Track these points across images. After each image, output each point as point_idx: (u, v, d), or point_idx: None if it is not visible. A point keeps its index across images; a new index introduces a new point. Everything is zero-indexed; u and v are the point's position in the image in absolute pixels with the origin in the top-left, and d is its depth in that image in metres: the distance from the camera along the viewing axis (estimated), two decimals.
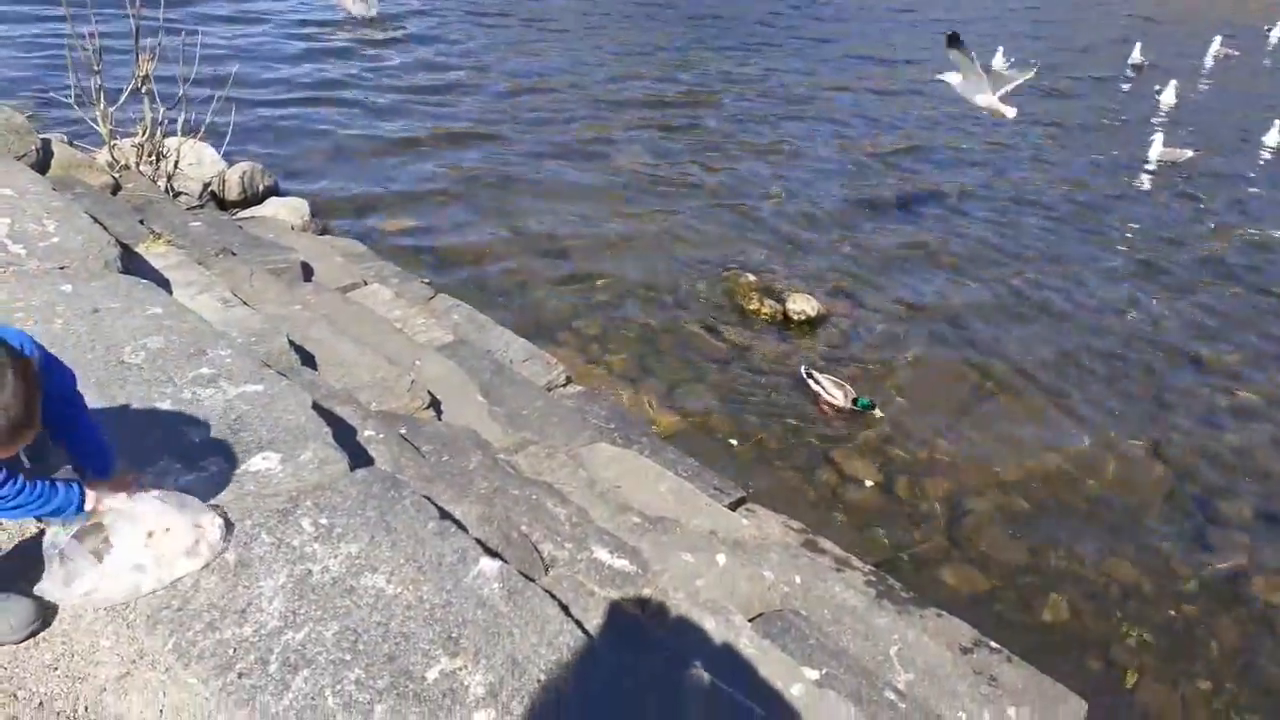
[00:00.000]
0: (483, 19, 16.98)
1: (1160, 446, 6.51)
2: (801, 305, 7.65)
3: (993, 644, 4.30)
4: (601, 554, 3.57)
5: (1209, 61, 18.36)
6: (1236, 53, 18.58)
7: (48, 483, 2.17)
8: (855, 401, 6.41)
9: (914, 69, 15.94)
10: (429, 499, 3.16)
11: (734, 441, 6.09)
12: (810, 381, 6.61)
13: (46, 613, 2.25)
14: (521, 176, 9.88)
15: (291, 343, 4.35)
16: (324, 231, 7.49)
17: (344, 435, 3.46)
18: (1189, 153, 12.03)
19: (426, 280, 6.92)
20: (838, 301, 7.96)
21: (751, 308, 7.69)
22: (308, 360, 4.46)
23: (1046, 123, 13.77)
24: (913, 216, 9.87)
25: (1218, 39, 18.79)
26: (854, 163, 11.31)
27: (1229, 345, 7.90)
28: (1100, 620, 5.02)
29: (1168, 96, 14.80)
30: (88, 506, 2.27)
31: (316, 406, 3.35)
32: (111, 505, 2.32)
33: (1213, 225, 10.51)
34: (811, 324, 7.57)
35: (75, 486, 2.24)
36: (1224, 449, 6.55)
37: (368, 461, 3.38)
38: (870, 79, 15.28)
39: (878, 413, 6.38)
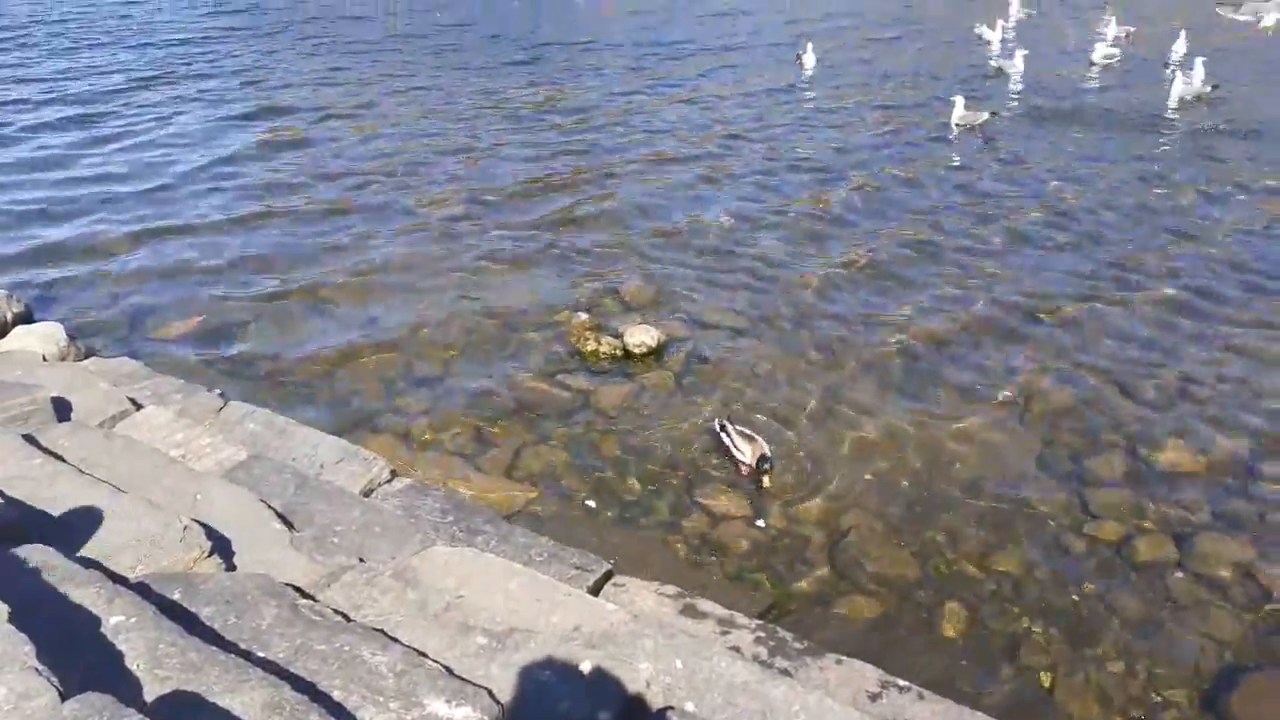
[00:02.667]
0: (290, 73, 15.94)
1: (1019, 416, 6.36)
2: (641, 337, 7.20)
3: (900, 682, 3.89)
4: (436, 706, 2.94)
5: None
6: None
7: None
8: (759, 463, 5.60)
9: (706, 77, 15.89)
10: (193, 694, 2.47)
11: (591, 503, 5.54)
12: (723, 435, 5.89)
13: None
14: (316, 251, 9.01)
15: (29, 509, 3.53)
16: (88, 355, 6.52)
17: (77, 634, 2.72)
18: (985, 115, 12.33)
19: (217, 390, 6.07)
20: (677, 326, 7.54)
21: (590, 349, 7.17)
22: (48, 527, 3.65)
23: (868, 118, 13.90)
24: (733, 229, 9.54)
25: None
26: (663, 182, 10.91)
27: (1069, 302, 7.90)
28: (1002, 622, 4.71)
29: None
30: None
31: (41, 591, 2.60)
32: None
33: (1031, 193, 10.70)
34: (655, 354, 7.12)
35: None
36: (1080, 405, 6.46)
37: (114, 659, 2.66)
38: (664, 88, 15.08)
39: (766, 481, 5.61)
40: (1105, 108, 13.71)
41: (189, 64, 15.52)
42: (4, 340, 6.38)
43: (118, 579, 3.24)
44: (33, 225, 9.56)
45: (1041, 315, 7.67)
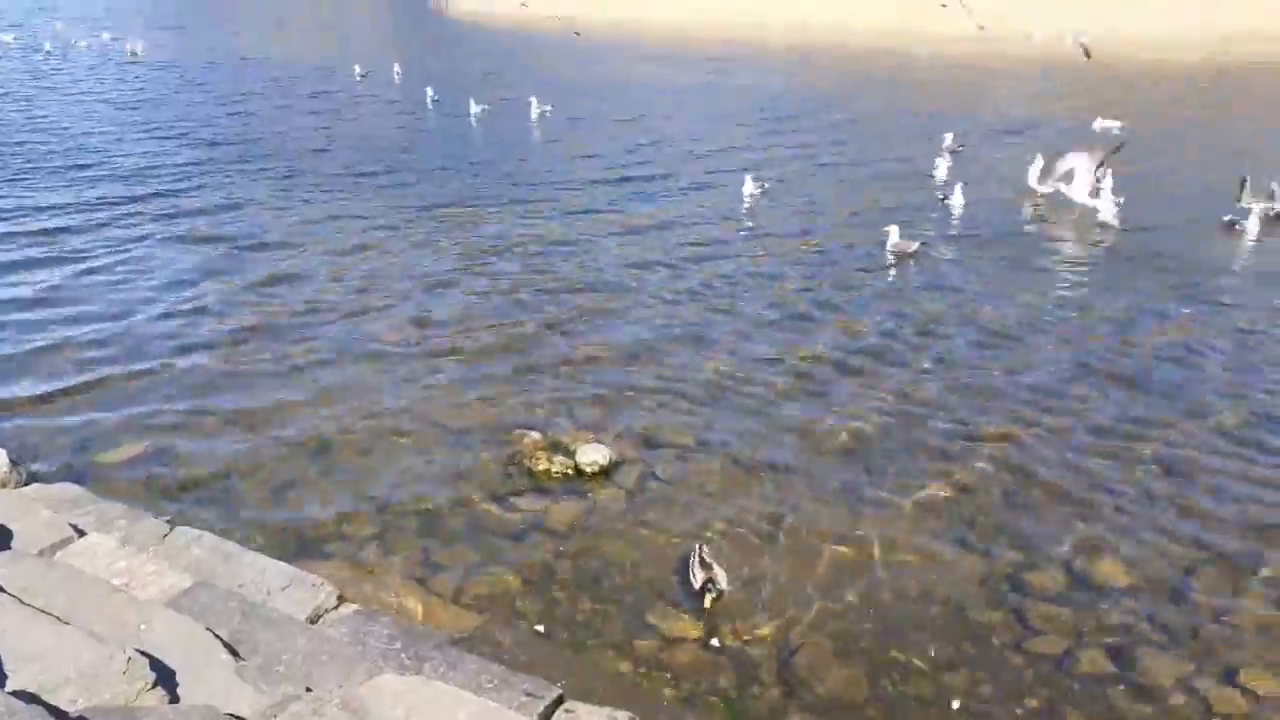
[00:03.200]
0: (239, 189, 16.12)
1: (962, 533, 6.52)
2: (593, 456, 7.29)
3: None
4: None
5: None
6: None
7: None
8: (704, 585, 5.62)
9: (652, 204, 16.47)
10: None
11: (540, 628, 5.51)
12: (691, 557, 5.90)
13: None
14: (265, 375, 8.98)
15: None
16: (30, 480, 6.42)
17: None
18: (917, 244, 12.91)
19: (164, 517, 6.00)
20: (628, 446, 7.65)
21: (541, 468, 7.23)
22: None
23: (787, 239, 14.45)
24: (680, 355, 9.68)
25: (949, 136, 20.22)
26: (609, 310, 11.02)
27: (1006, 418, 8.19)
28: None
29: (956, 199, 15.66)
30: None
31: None
32: None
33: (980, 306, 11.17)
34: (606, 473, 7.19)
35: None
36: (1018, 522, 6.64)
37: None
38: (610, 218, 15.57)
39: (707, 602, 5.61)
40: (1034, 234, 14.49)
41: (149, 197, 15.68)
42: None
43: (58, 714, 3.18)
44: None
45: (981, 437, 7.90)
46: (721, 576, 5.68)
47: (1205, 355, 9.60)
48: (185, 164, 18.21)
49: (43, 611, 4.16)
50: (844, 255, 13.11)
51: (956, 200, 15.27)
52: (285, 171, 17.77)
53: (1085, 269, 12.78)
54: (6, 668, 3.58)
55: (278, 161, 18.42)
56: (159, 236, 13.49)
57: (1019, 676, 5.21)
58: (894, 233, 12.87)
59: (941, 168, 17.47)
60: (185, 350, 9.47)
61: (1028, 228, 14.89)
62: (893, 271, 12.48)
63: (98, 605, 4.41)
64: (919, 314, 10.79)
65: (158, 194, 15.97)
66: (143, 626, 4.28)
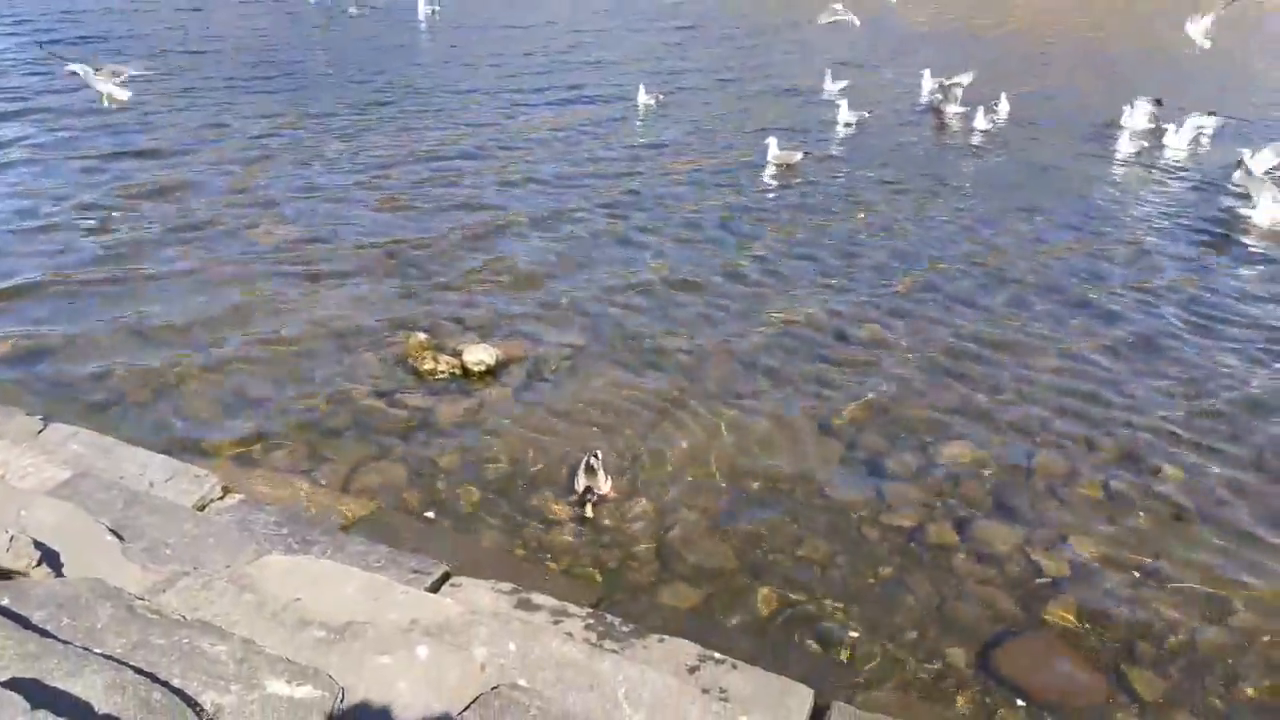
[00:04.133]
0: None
1: (827, 421, 6.96)
2: (479, 355, 7.43)
3: (717, 655, 4.28)
4: (277, 686, 3.09)
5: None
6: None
7: None
8: (584, 493, 5.78)
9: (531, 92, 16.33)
10: (32, 681, 2.56)
11: (430, 514, 5.71)
12: (582, 462, 5.95)
13: None
14: (140, 265, 8.79)
15: None
16: None
17: None
18: (799, 155, 13.25)
19: (36, 413, 5.89)
20: (514, 345, 7.81)
21: (427, 367, 7.33)
22: None
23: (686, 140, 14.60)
24: (562, 257, 9.85)
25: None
26: (496, 213, 11.07)
27: (866, 312, 8.68)
28: (808, 603, 5.20)
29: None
30: None
31: None
32: None
33: (854, 215, 11.61)
34: (493, 372, 7.36)
35: None
36: (877, 411, 7.12)
37: None
38: (506, 120, 15.41)
39: (589, 511, 5.75)
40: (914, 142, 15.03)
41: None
42: None
43: None
44: None
45: (848, 331, 8.38)
46: (604, 483, 5.87)
47: (1055, 251, 10.32)
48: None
49: None
50: (729, 166, 13.35)
51: (843, 115, 15.61)
52: (165, 75, 16.76)
53: (957, 177, 13.37)
54: None
55: (155, 64, 17.40)
56: (34, 142, 12.68)
57: (873, 548, 5.69)
58: (773, 144, 13.16)
59: (831, 83, 17.79)
60: (64, 256, 9.06)
61: (906, 140, 15.41)
62: (773, 182, 12.80)
63: None
64: (798, 224, 11.17)
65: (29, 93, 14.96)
66: (23, 513, 4.28)
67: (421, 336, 7.72)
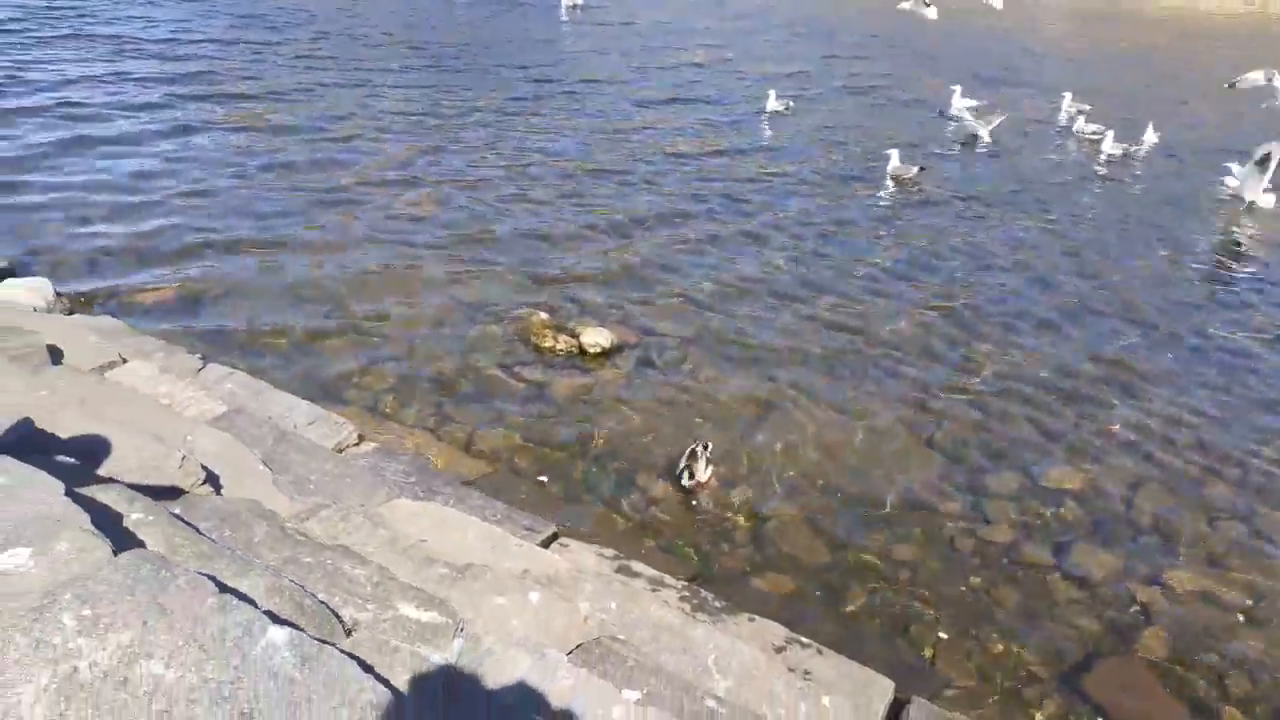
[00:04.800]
0: (248, 75, 16.24)
1: (932, 432, 7.03)
2: (595, 338, 7.76)
3: (803, 640, 4.48)
4: (407, 610, 3.44)
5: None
6: None
7: None
8: (679, 474, 6.07)
9: (669, 101, 16.61)
10: (210, 576, 2.94)
11: (543, 479, 6.07)
12: (690, 449, 6.15)
13: None
14: (292, 230, 9.54)
15: (40, 430, 3.95)
16: (74, 311, 6.89)
17: (107, 522, 3.16)
18: (915, 169, 13.19)
19: (195, 352, 6.48)
20: (629, 332, 8.12)
21: (546, 345, 7.71)
22: (60, 448, 4.07)
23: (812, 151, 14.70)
24: (685, 253, 10.14)
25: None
26: (627, 210, 11.45)
27: (981, 340, 8.65)
28: (897, 603, 5.33)
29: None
30: None
31: (71, 493, 3.05)
32: None
33: (959, 231, 11.54)
34: (607, 354, 7.69)
35: None
36: (983, 428, 7.15)
37: (139, 544, 3.11)
38: (637, 120, 15.78)
39: (685, 480, 6.06)
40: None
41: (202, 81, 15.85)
42: None
43: (132, 488, 3.68)
44: (7, 189, 9.85)
45: (956, 348, 8.39)
46: (703, 470, 6.07)
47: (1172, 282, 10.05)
48: (197, 34, 18.16)
49: (102, 416, 4.65)
50: (851, 175, 13.38)
51: (981, 133, 15.39)
52: (333, 63, 17.73)
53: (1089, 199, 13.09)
54: (79, 458, 4.07)
55: (329, 51, 18.40)
56: (206, 120, 13.67)
57: (966, 559, 5.77)
58: (894, 156, 13.14)
59: (959, 100, 17.53)
60: (226, 219, 9.84)
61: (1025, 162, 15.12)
62: (890, 195, 12.79)
63: (147, 417, 4.90)
64: (913, 237, 11.17)
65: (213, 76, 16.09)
66: (188, 438, 4.78)
67: (543, 316, 8.10)
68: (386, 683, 2.53)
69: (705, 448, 6.12)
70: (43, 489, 2.98)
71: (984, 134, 15.31)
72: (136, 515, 3.38)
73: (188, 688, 2.28)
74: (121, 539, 3.15)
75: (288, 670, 2.37)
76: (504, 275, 9.02)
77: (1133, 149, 15.50)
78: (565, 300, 8.63)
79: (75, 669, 2.29)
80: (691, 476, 6.04)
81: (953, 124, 16.41)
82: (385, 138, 13.12)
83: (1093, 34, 28.95)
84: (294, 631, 2.54)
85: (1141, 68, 23.00)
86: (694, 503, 5.94)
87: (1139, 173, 14.81)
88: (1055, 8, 32.45)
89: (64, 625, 2.41)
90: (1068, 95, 17.55)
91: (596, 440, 6.54)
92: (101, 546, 2.73)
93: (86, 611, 2.46)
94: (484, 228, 10.16)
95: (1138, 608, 5.49)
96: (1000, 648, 5.11)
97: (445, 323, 7.97)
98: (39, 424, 4.30)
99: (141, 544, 3.18)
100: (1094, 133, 15.92)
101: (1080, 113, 16.61)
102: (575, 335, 7.81)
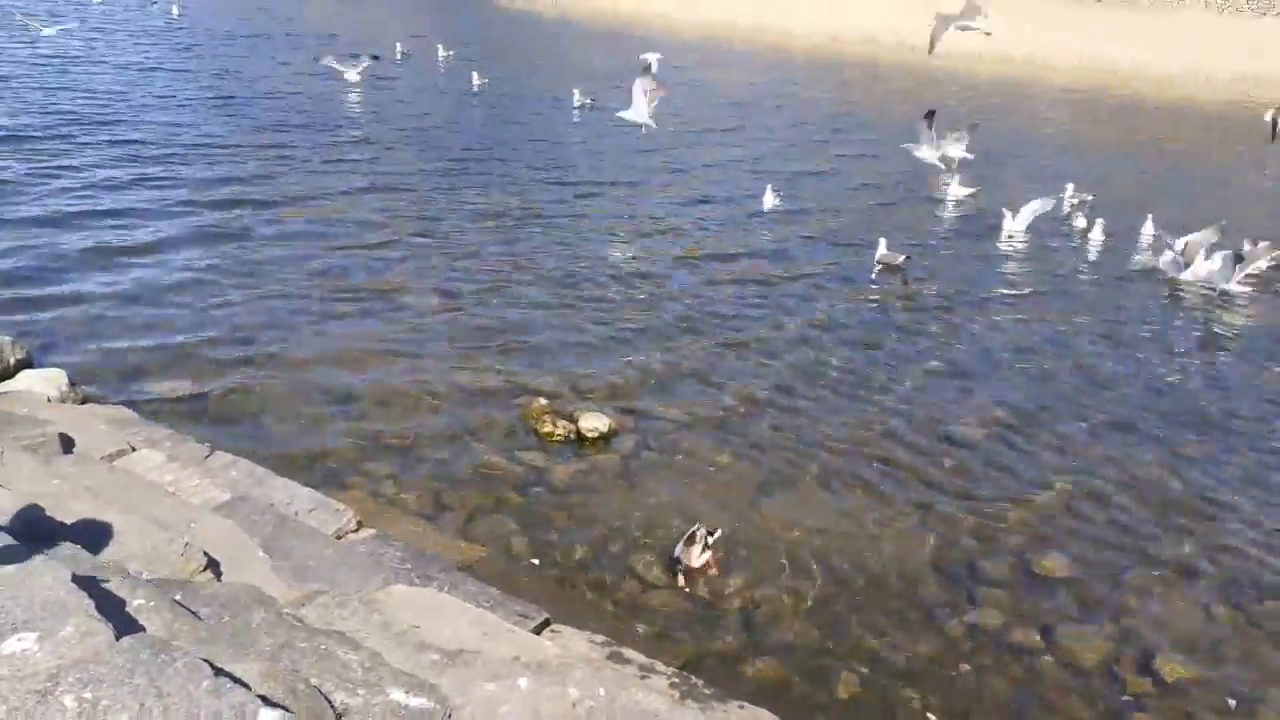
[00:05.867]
0: (269, 159, 16.79)
1: (928, 517, 7.12)
2: (594, 423, 7.92)
3: None
4: (397, 695, 3.54)
5: None
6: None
7: None
8: (674, 561, 6.17)
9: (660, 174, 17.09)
10: (206, 660, 3.07)
11: (535, 561, 6.17)
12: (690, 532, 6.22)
13: None
14: (297, 322, 9.78)
15: (49, 518, 4.12)
16: (85, 401, 7.11)
17: (111, 607, 3.31)
18: (903, 256, 13.42)
19: (202, 440, 6.67)
20: (628, 416, 8.29)
21: (545, 430, 7.87)
22: (67, 535, 4.22)
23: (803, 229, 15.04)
24: (683, 338, 10.34)
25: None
26: (625, 291, 11.70)
27: (975, 421, 8.79)
28: (889, 689, 5.37)
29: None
30: None
31: (77, 579, 3.20)
32: None
33: (949, 321, 11.76)
34: (605, 439, 7.83)
35: None
36: (981, 512, 7.23)
37: (139, 631, 3.24)
38: (630, 195, 16.21)
39: (680, 580, 6.15)
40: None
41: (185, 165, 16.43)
42: (11, 381, 6.96)
43: (136, 574, 3.83)
44: (27, 283, 10.20)
45: (953, 435, 8.51)
46: (696, 556, 6.11)
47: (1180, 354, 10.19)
48: (220, 139, 18.74)
49: (110, 504, 4.82)
50: (842, 265, 13.67)
51: (1008, 225, 15.59)
52: (336, 151, 18.33)
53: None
54: (87, 544, 4.22)
55: (332, 138, 19.00)
56: (197, 204, 14.13)
57: (957, 644, 5.81)
58: (882, 245, 13.44)
59: (955, 188, 17.90)
60: (224, 303, 10.16)
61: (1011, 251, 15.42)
62: (876, 282, 13.04)
63: (154, 504, 5.07)
64: (899, 323, 11.39)
65: (196, 163, 16.68)
66: (192, 524, 4.94)
67: (542, 402, 8.29)
68: None
69: (710, 534, 6.22)
70: (49, 576, 3.13)
71: (1013, 225, 15.49)
72: (139, 600, 3.52)
73: None
74: (124, 623, 3.29)
75: None
76: (504, 363, 9.23)
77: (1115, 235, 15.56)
78: (565, 384, 8.83)
79: None
80: (680, 563, 6.13)
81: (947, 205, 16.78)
82: (393, 232, 13.46)
83: (1092, 123, 29.73)
84: (284, 712, 2.66)
85: (1145, 156, 23.59)
86: (687, 589, 6.02)
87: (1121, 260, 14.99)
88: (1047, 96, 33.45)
89: (66, 708, 2.54)
90: (1070, 186, 17.87)
91: (591, 524, 6.66)
92: (104, 631, 2.87)
93: (87, 695, 2.59)
94: (488, 320, 10.41)
95: (1129, 696, 5.52)
96: None
97: (446, 409, 8.16)
98: (49, 512, 4.47)
99: (142, 629, 3.31)
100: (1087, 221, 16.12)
101: (1083, 203, 16.94)
102: (574, 420, 7.98)
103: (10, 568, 3.11)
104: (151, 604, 3.52)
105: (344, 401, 8.15)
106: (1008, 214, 15.53)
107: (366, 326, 9.89)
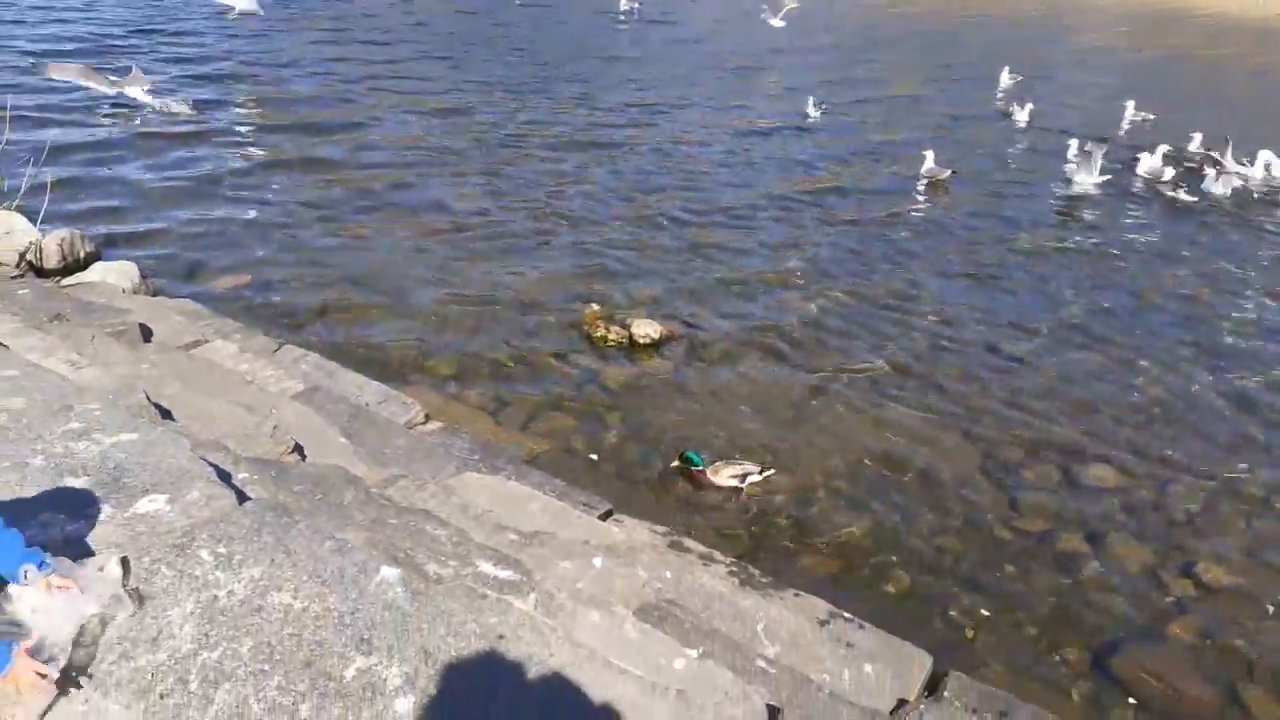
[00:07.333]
0: (313, 65, 16.77)
1: (974, 427, 7.24)
2: (645, 330, 8.06)
3: (846, 615, 4.72)
4: (486, 567, 3.75)
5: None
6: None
7: None
8: (683, 457, 6.26)
9: (718, 100, 16.89)
10: (315, 527, 3.27)
11: (594, 456, 6.38)
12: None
13: None
14: (355, 224, 9.94)
15: (149, 398, 4.32)
16: (157, 294, 7.32)
17: (221, 478, 3.52)
18: (948, 171, 13.26)
19: (270, 333, 6.88)
20: (678, 323, 8.41)
21: (599, 335, 8.02)
22: (165, 415, 4.44)
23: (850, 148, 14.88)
24: (734, 252, 10.40)
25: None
26: (681, 200, 11.82)
27: (1019, 334, 8.84)
28: (937, 586, 5.57)
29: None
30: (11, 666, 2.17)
31: (194, 451, 3.40)
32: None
33: (996, 234, 11.70)
34: (656, 346, 7.98)
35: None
36: (1029, 424, 7.33)
37: (248, 500, 3.45)
38: (677, 107, 16.07)
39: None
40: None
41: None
42: (83, 273, 7.17)
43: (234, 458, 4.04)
44: (90, 182, 10.38)
45: (1000, 346, 8.57)
46: (725, 478, 6.17)
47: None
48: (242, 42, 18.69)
49: (196, 387, 5.03)
50: (886, 179, 13.55)
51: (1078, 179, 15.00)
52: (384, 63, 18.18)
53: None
54: (185, 424, 4.44)
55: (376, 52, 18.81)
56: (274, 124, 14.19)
57: (1003, 546, 5.99)
58: (929, 158, 13.25)
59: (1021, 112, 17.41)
60: (282, 196, 10.35)
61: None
62: (922, 197, 12.95)
63: (236, 390, 5.28)
64: (948, 236, 11.35)
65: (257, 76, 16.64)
66: (274, 410, 5.15)
67: (596, 307, 8.41)
68: (480, 621, 2.84)
69: (763, 471, 6.23)
70: (170, 445, 3.34)
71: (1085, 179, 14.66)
72: (243, 475, 3.73)
73: (314, 615, 2.61)
74: (236, 493, 3.50)
75: (400, 603, 2.69)
76: (560, 268, 9.37)
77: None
78: (617, 292, 8.94)
79: (215, 597, 2.62)
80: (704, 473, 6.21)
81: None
82: (446, 142, 13.49)
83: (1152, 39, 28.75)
84: (402, 570, 2.86)
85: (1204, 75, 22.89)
86: (743, 491, 6.22)
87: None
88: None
89: (203, 560, 2.75)
90: (1130, 103, 17.38)
91: (645, 426, 6.83)
92: (228, 496, 3.08)
93: (222, 550, 2.80)
94: (540, 225, 10.52)
95: (1171, 598, 5.68)
96: (1034, 631, 5.33)
97: (503, 313, 8.33)
98: (149, 392, 4.69)
99: (249, 499, 3.52)
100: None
101: (1145, 121, 16.54)
102: (626, 327, 8.11)
103: (133, 435, 3.31)
104: (255, 477, 3.73)
105: (404, 302, 8.33)
106: (1074, 164, 14.23)
107: (424, 232, 10.02)
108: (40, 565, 2.30)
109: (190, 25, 19.92)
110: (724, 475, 6.22)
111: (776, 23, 24.88)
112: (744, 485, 6.19)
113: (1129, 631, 5.38)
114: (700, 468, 6.22)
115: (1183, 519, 6.44)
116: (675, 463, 6.27)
